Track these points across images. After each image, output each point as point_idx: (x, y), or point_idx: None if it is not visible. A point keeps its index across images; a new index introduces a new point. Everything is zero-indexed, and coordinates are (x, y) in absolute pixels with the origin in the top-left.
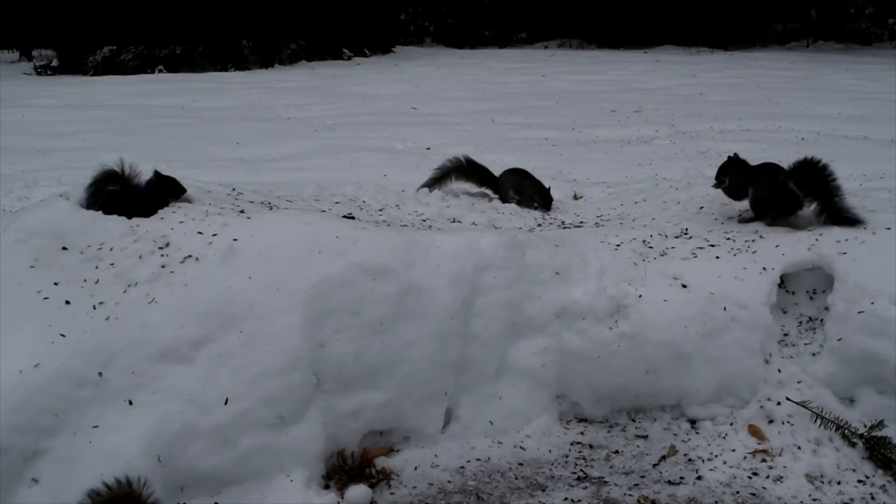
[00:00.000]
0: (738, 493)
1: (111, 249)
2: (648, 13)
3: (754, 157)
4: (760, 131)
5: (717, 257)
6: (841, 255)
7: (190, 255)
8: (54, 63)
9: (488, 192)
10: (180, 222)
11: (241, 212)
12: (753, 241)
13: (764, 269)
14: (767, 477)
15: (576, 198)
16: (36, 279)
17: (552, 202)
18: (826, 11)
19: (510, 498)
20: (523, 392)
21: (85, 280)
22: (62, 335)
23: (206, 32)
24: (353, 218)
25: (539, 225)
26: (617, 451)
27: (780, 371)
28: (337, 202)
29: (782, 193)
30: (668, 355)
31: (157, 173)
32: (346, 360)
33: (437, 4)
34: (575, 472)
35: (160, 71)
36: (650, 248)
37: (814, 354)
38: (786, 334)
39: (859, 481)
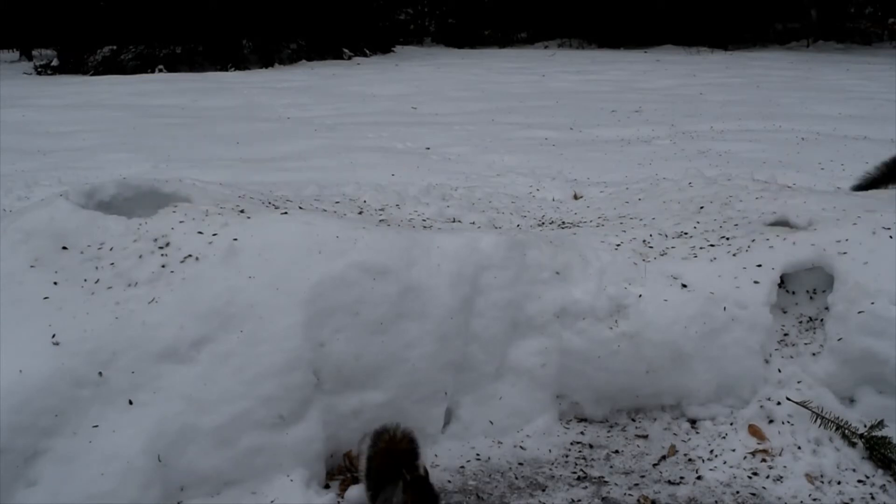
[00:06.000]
0: (738, 492)
1: (111, 249)
2: (648, 13)
3: (754, 158)
4: (760, 131)
5: (717, 257)
6: (841, 255)
7: (190, 255)
8: (54, 63)
9: None
10: (180, 222)
11: (242, 211)
12: (753, 240)
13: (764, 268)
14: (767, 477)
15: (576, 198)
16: (36, 279)
17: None
18: (826, 11)
19: (510, 498)
20: (523, 392)
21: (85, 280)
22: (62, 335)
23: (206, 32)
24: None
25: (539, 225)
26: (617, 451)
27: (780, 371)
28: (337, 202)
29: None
30: (669, 355)
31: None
32: (346, 360)
33: (437, 4)
34: (575, 472)
35: (160, 71)
36: (650, 248)
37: (814, 354)
38: (786, 334)
39: (859, 481)
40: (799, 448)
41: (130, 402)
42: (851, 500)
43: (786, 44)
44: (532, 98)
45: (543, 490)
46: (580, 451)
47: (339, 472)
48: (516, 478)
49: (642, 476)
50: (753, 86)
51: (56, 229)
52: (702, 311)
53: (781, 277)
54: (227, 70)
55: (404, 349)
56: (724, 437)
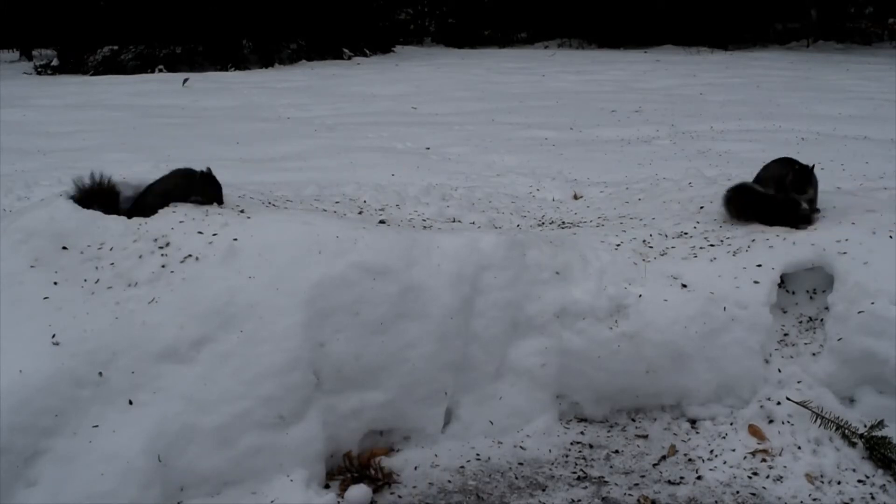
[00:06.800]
0: (738, 492)
1: (111, 249)
2: (648, 13)
3: (754, 158)
4: (760, 131)
5: (717, 257)
6: (841, 254)
7: (190, 255)
8: (54, 63)
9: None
10: (180, 222)
11: (242, 211)
12: (753, 240)
13: (764, 268)
14: (767, 477)
15: (576, 198)
16: (36, 279)
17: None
18: (826, 11)
19: (510, 498)
20: (523, 392)
21: (85, 280)
22: (62, 335)
23: (207, 32)
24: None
25: (539, 225)
26: (617, 451)
27: (780, 371)
28: (337, 202)
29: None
30: (668, 355)
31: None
32: (346, 360)
33: (437, 4)
34: (575, 472)
35: (160, 71)
36: (650, 248)
37: (814, 354)
38: (786, 334)
39: (859, 481)
40: (799, 448)
41: (130, 402)
42: (851, 500)
43: (786, 44)
44: (532, 98)
45: (543, 490)
46: (580, 451)
47: (339, 472)
48: (516, 478)
49: (642, 476)
50: (753, 86)
51: (56, 229)
52: (702, 311)
53: (781, 277)
54: (227, 70)
55: (404, 349)
56: (724, 437)
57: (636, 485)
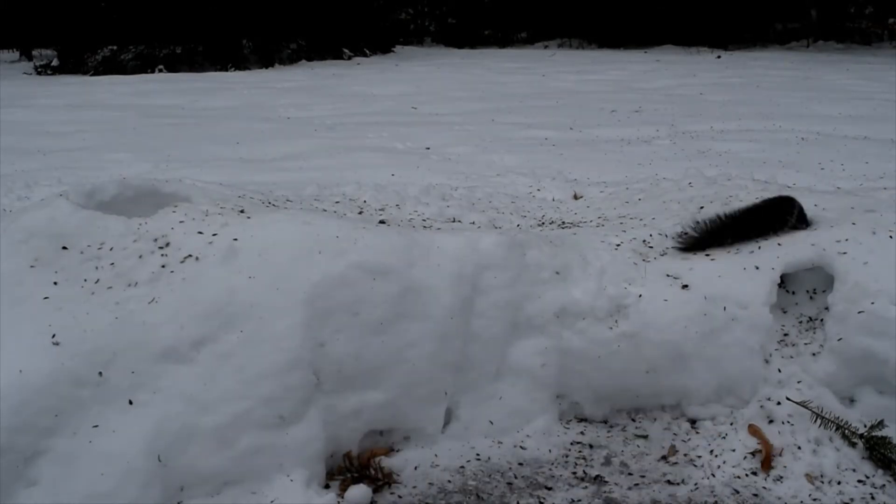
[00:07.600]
0: (738, 492)
1: (111, 249)
2: (648, 13)
3: (754, 157)
4: (760, 131)
5: (717, 257)
6: (841, 254)
7: (190, 255)
8: (54, 63)
9: None
10: (180, 222)
11: (242, 211)
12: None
13: (764, 268)
14: (767, 477)
15: (576, 198)
16: (36, 279)
17: None
18: (826, 11)
19: (510, 498)
20: (523, 392)
21: (85, 280)
22: (62, 335)
23: (206, 32)
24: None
25: (539, 225)
26: (617, 451)
27: (780, 371)
28: (337, 202)
29: None
30: (668, 355)
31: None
32: (346, 360)
33: (437, 4)
34: (575, 472)
35: (160, 71)
36: (650, 247)
37: (814, 354)
38: (786, 334)
39: (859, 481)
40: (799, 448)
41: (130, 403)
42: (851, 499)
43: (786, 44)
44: (532, 98)
45: (543, 490)
46: (580, 451)
47: (339, 472)
48: (516, 478)
49: (642, 476)
50: (753, 86)
51: (56, 229)
52: (702, 311)
53: (781, 277)
54: (227, 70)
55: (404, 349)
56: (724, 437)
57: (636, 485)
